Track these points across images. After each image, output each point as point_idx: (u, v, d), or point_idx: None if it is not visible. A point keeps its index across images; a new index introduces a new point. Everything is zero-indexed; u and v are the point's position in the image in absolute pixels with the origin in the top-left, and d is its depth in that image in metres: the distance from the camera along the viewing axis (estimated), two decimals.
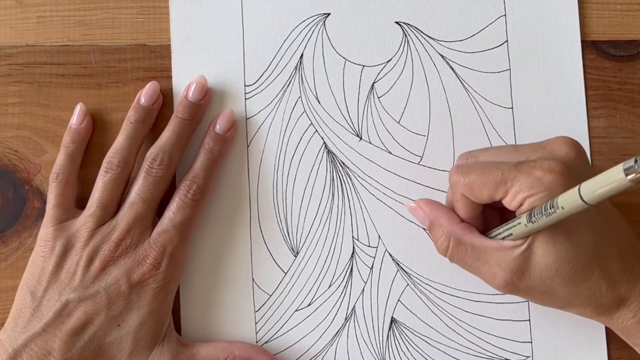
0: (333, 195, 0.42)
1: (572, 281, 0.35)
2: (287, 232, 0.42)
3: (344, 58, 0.42)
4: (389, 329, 0.41)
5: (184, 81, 0.42)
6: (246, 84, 0.42)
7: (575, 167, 0.34)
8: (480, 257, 0.36)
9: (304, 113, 0.42)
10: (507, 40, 0.42)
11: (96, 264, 0.38)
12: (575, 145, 0.36)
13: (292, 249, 0.42)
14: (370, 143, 0.42)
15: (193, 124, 0.41)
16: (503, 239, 0.35)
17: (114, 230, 0.38)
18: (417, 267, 0.41)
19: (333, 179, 0.42)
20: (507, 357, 0.41)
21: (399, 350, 0.41)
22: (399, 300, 0.41)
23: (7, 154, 0.42)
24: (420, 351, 0.41)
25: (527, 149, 0.36)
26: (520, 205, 0.34)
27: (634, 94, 0.42)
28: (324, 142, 0.42)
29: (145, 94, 0.41)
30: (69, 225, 0.39)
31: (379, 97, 0.42)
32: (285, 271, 0.41)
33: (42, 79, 0.43)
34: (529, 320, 0.41)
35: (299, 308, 0.41)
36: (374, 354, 0.41)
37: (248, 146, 0.42)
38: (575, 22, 0.42)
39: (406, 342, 0.41)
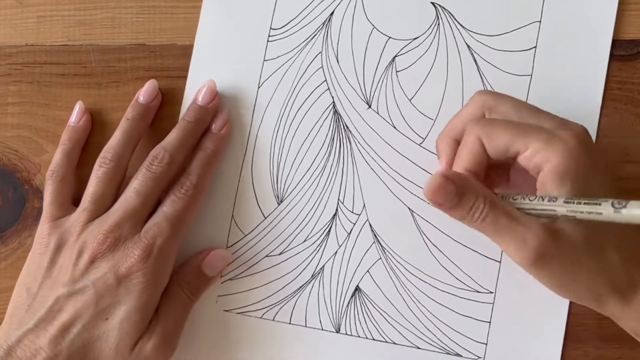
0: (329, 154, 0.42)
1: (597, 251, 0.34)
2: (277, 178, 0.42)
3: (372, 25, 0.43)
4: (352, 296, 0.41)
5: (199, 83, 0.42)
6: (272, 27, 0.43)
7: (592, 147, 0.34)
8: (511, 223, 0.34)
9: (321, 69, 0.42)
10: (535, 47, 0.42)
11: (85, 257, 0.37)
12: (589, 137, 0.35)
13: (277, 197, 0.42)
14: (378, 113, 0.42)
15: (199, 127, 0.41)
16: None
17: (104, 223, 0.38)
18: (394, 244, 0.41)
19: (333, 139, 0.42)
20: (459, 353, 0.41)
21: (356, 320, 0.41)
22: (368, 271, 0.41)
23: (7, 153, 0.43)
24: (376, 325, 0.41)
25: (549, 117, 0.36)
26: (538, 168, 0.34)
27: (634, 93, 0.41)
28: (333, 102, 0.42)
29: (143, 93, 0.41)
30: (63, 221, 0.39)
31: (397, 71, 0.42)
32: (266, 216, 0.42)
33: (42, 78, 0.43)
34: (490, 322, 0.41)
35: (270, 254, 0.42)
36: (330, 317, 0.41)
37: (259, 87, 0.42)
38: (607, 40, 0.42)
39: (365, 313, 0.41)
